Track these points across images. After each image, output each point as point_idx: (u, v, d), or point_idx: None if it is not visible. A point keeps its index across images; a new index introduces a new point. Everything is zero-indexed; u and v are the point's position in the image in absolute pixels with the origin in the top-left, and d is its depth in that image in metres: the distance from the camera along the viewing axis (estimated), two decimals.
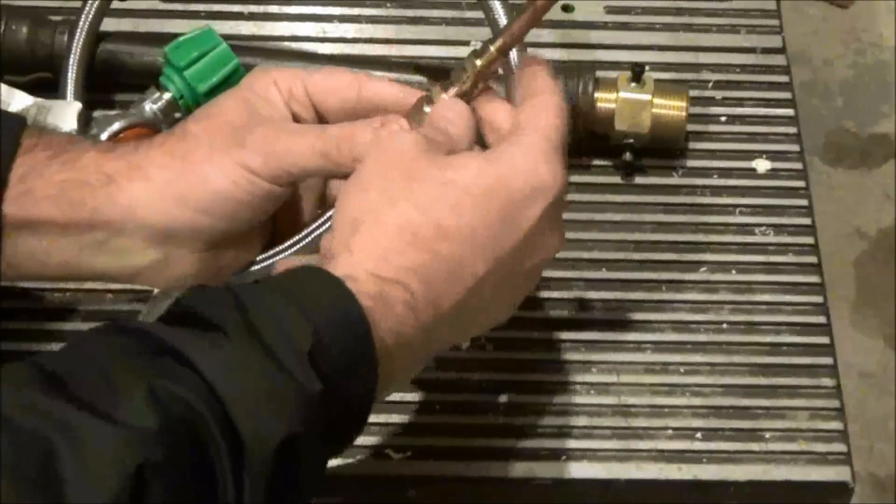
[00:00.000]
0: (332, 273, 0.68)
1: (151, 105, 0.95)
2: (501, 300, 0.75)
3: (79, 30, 0.97)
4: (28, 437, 0.57)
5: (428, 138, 0.73)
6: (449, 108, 0.76)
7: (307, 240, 0.78)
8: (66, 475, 0.57)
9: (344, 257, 0.69)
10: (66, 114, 0.94)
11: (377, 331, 0.67)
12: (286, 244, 0.78)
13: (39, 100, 0.95)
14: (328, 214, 0.76)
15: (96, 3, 0.97)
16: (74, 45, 0.96)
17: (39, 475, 0.56)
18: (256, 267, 0.78)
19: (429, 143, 0.73)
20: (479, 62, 0.78)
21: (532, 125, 0.75)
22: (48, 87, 0.97)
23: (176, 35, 1.03)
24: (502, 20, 0.84)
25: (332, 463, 0.85)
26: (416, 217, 0.70)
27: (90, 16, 0.97)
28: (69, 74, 0.96)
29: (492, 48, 0.78)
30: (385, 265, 0.69)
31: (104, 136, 0.92)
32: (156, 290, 0.86)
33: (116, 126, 0.93)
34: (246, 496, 0.61)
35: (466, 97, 0.78)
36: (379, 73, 0.99)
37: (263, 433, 0.62)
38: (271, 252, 0.79)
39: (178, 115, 0.95)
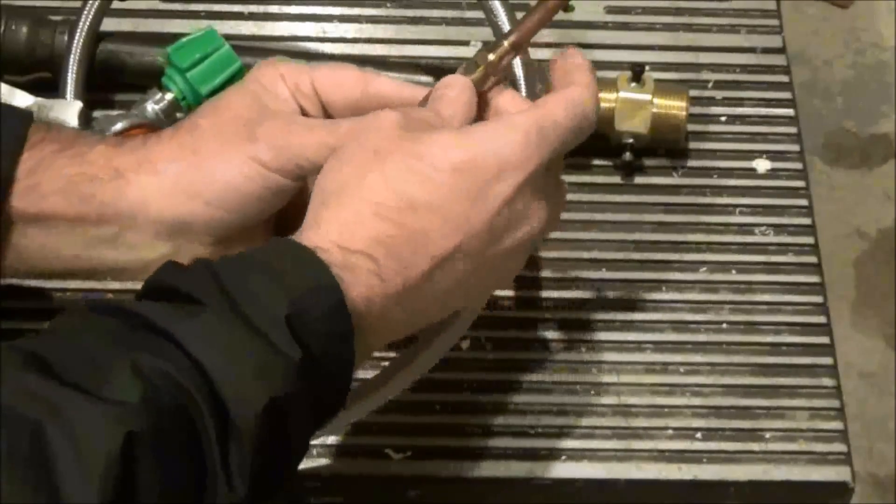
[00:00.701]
0: (301, 243, 0.68)
1: (153, 105, 0.95)
2: (484, 276, 0.74)
3: (79, 30, 0.96)
4: (17, 419, 0.58)
5: (409, 116, 0.73)
6: (449, 85, 0.76)
7: None
8: (56, 455, 0.57)
9: (312, 230, 0.70)
10: (66, 113, 0.94)
11: (347, 299, 0.67)
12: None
13: (40, 99, 0.95)
14: None
15: (96, 3, 0.97)
16: (74, 45, 0.96)
17: (30, 457, 0.57)
18: None
19: (408, 120, 0.73)
20: (491, 56, 0.78)
21: (530, 110, 0.74)
22: (48, 87, 0.97)
23: (176, 35, 1.03)
24: (503, 20, 0.84)
25: (333, 463, 0.86)
26: (383, 190, 0.70)
27: (90, 16, 0.97)
28: (69, 74, 0.96)
29: (505, 43, 0.79)
30: (350, 237, 0.69)
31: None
32: None
33: (119, 126, 0.93)
34: (232, 463, 0.62)
35: (476, 88, 0.77)
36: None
37: (246, 399, 0.62)
38: None
39: (179, 115, 0.95)
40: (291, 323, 0.65)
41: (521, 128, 0.73)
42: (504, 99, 0.78)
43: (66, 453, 0.57)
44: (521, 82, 0.89)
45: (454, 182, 0.71)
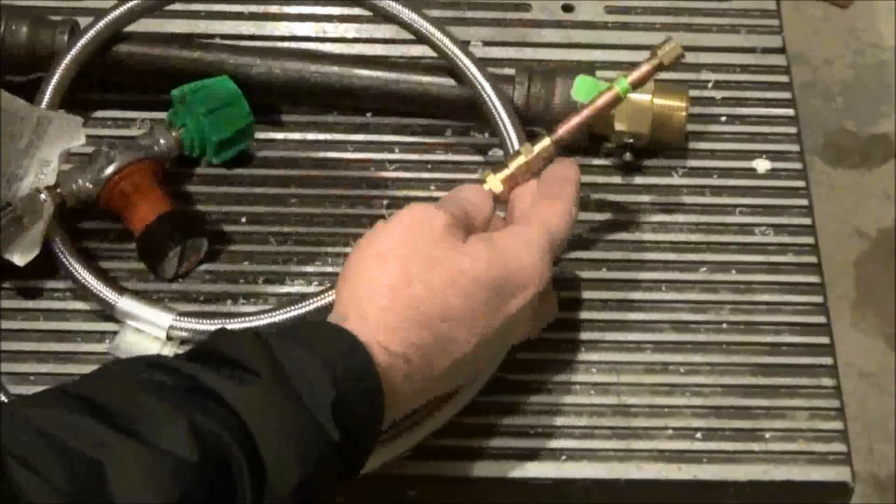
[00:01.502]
0: (352, 333, 0.74)
1: (161, 141, 0.94)
2: (486, 362, 0.85)
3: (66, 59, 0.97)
4: (79, 459, 0.61)
5: (454, 215, 0.81)
6: (473, 192, 0.85)
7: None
8: (115, 497, 0.61)
9: (358, 322, 0.76)
10: (66, 129, 0.93)
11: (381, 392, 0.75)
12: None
13: (42, 109, 0.95)
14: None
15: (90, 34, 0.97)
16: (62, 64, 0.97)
17: (91, 497, 0.60)
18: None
19: (454, 219, 0.80)
20: (535, 149, 0.87)
21: (542, 222, 0.83)
22: None
23: (177, 35, 1.04)
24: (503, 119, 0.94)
25: None
26: (428, 298, 0.77)
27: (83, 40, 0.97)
28: (51, 84, 0.96)
29: (549, 138, 0.88)
30: (393, 338, 0.76)
31: (110, 170, 0.91)
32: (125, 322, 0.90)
33: (121, 161, 0.92)
34: None
35: (514, 180, 0.87)
36: (378, 73, 1.00)
37: (287, 472, 0.67)
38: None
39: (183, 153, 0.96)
40: (335, 406, 0.70)
41: (537, 245, 0.81)
42: (522, 193, 0.87)
43: (124, 495, 0.61)
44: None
45: (486, 297, 0.79)
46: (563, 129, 0.88)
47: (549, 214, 0.84)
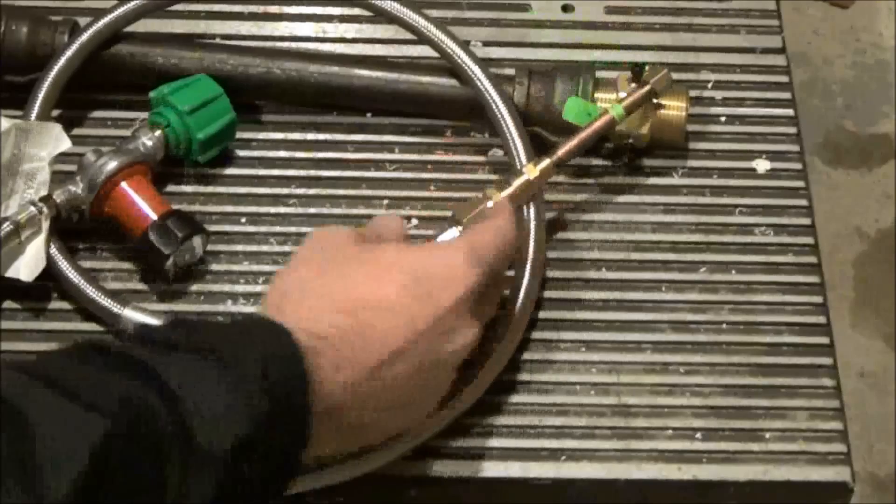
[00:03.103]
0: (274, 320, 0.74)
1: (146, 142, 0.94)
2: (421, 388, 0.80)
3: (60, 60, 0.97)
4: (5, 407, 0.62)
5: (360, 234, 0.83)
6: (384, 217, 0.89)
7: None
8: (38, 442, 0.61)
9: (277, 317, 0.75)
10: (46, 138, 0.93)
11: (308, 372, 0.73)
12: None
13: (17, 121, 0.94)
14: None
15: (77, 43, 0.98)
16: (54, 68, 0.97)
17: (14, 445, 0.61)
18: None
19: (360, 236, 0.82)
20: (536, 169, 0.91)
21: (464, 236, 0.86)
22: None
23: (176, 35, 1.03)
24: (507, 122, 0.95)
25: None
26: (341, 287, 0.78)
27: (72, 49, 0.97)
28: (40, 94, 0.96)
29: (549, 159, 0.91)
30: (313, 324, 0.75)
31: (104, 175, 0.91)
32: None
33: (114, 165, 0.92)
34: (193, 494, 0.66)
35: (516, 198, 0.90)
36: (378, 73, 0.99)
37: (216, 437, 0.67)
38: None
39: (167, 153, 0.95)
40: (263, 377, 0.70)
41: (461, 248, 0.82)
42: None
43: (49, 443, 0.62)
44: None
45: (404, 284, 0.78)
46: (562, 151, 0.92)
47: (475, 231, 0.85)
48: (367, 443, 0.82)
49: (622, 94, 0.96)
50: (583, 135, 0.93)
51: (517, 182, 0.91)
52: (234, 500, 0.69)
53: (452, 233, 0.89)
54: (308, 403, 0.72)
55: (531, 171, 0.91)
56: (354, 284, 0.78)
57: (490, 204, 0.90)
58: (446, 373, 0.82)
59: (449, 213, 0.90)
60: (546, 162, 0.91)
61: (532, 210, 0.92)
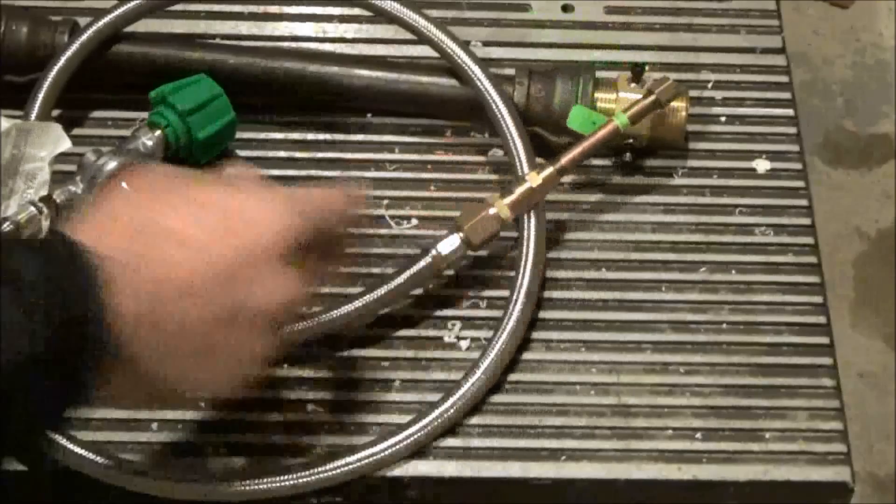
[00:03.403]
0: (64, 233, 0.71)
1: (146, 142, 0.94)
2: (225, 338, 0.74)
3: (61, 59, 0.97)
4: None
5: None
6: (240, 167, 0.87)
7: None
8: None
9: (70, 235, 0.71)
10: (46, 138, 0.93)
11: (98, 286, 0.69)
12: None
13: (17, 122, 0.94)
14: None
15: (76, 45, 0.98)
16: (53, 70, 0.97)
17: None
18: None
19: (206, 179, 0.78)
20: (540, 177, 0.91)
21: (293, 189, 0.79)
22: None
23: (176, 35, 1.03)
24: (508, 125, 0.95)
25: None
26: (125, 207, 0.74)
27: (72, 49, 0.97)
28: (40, 94, 0.96)
29: (552, 167, 0.92)
30: (98, 244, 0.70)
31: (104, 175, 0.91)
32: None
33: (114, 165, 0.92)
34: None
35: (519, 206, 0.91)
36: (378, 73, 1.00)
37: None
38: None
39: (167, 153, 0.95)
40: (48, 295, 0.67)
41: (280, 194, 0.76)
42: None
43: None
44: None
45: (204, 218, 0.73)
46: (565, 159, 0.92)
47: (299, 187, 0.82)
48: (173, 396, 0.76)
49: (622, 95, 0.96)
50: (586, 144, 0.93)
51: (519, 189, 0.91)
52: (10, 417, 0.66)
53: (453, 239, 0.89)
54: (96, 310, 0.68)
55: (534, 179, 0.91)
56: (142, 209, 0.73)
57: (492, 211, 0.90)
58: (255, 327, 0.75)
59: (449, 213, 0.90)
60: (549, 170, 0.92)
61: (532, 210, 0.92)
